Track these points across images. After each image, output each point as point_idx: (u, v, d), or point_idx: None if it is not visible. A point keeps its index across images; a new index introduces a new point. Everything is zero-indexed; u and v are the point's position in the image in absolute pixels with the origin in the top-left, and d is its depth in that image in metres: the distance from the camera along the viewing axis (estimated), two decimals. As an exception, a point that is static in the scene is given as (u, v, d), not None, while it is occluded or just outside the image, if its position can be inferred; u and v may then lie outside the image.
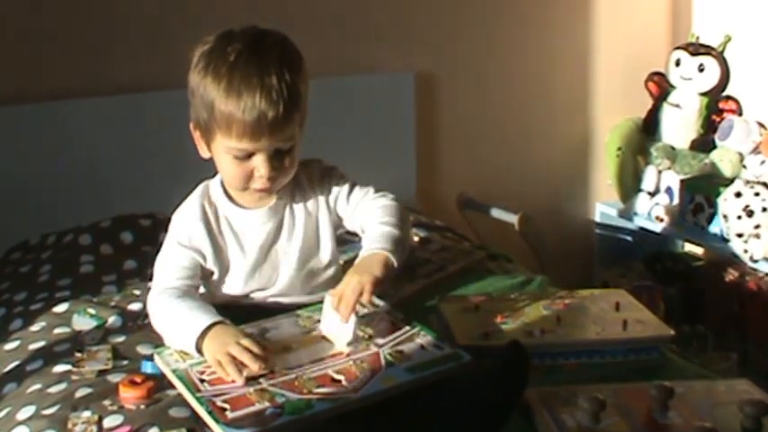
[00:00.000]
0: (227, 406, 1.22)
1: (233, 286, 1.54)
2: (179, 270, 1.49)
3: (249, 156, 1.42)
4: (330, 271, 1.60)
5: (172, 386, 1.36)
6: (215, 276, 1.53)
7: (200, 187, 1.56)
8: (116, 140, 2.40)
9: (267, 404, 1.22)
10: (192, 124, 1.50)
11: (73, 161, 2.35)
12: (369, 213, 1.55)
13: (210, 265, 1.52)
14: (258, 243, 1.53)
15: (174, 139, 2.37)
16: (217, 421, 1.19)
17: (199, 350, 1.34)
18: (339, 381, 1.28)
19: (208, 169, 1.53)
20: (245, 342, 1.31)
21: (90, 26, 2.38)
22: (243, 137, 1.39)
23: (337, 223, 1.60)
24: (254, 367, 1.28)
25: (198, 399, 1.25)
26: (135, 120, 2.41)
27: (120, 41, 2.41)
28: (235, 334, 1.34)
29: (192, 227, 1.51)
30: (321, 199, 1.57)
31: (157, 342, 1.56)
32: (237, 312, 1.47)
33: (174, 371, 1.35)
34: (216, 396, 1.25)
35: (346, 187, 1.59)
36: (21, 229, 2.26)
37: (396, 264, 1.43)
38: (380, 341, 1.39)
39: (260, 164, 1.42)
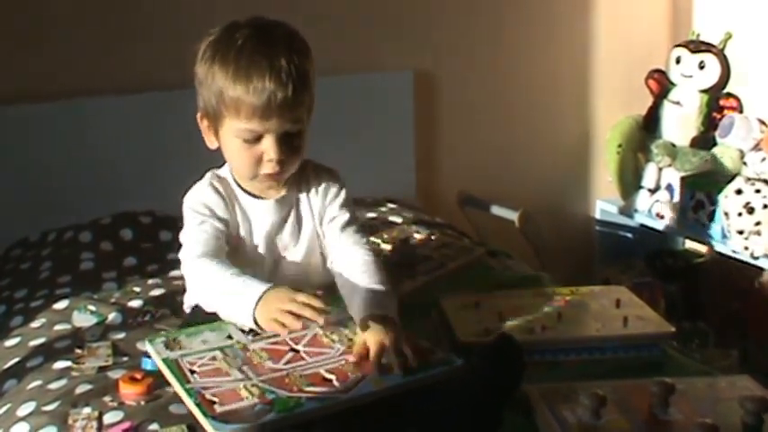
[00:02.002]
0: (215, 399, 1.22)
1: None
2: (206, 237, 1.48)
3: (258, 139, 1.42)
4: (329, 275, 1.59)
5: (170, 384, 1.35)
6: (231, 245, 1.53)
7: (209, 174, 1.56)
8: (117, 138, 2.40)
9: (256, 400, 1.22)
10: (200, 114, 1.50)
11: (73, 158, 2.35)
12: (351, 263, 1.51)
13: (232, 230, 1.52)
14: (264, 231, 1.53)
15: (176, 138, 2.39)
16: (205, 414, 1.18)
17: (255, 320, 1.36)
18: (330, 380, 1.27)
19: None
20: (303, 297, 1.33)
21: (94, 25, 2.38)
22: (252, 117, 1.39)
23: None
24: (319, 320, 1.32)
25: (187, 390, 1.25)
26: (137, 118, 2.41)
27: (126, 41, 2.41)
28: (290, 291, 1.35)
29: (208, 198, 1.50)
30: (319, 211, 1.57)
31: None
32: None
33: (164, 359, 1.35)
34: (205, 388, 1.25)
35: (345, 218, 1.57)
36: (21, 227, 2.26)
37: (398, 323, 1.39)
38: None
39: (269, 147, 1.42)
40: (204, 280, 1.44)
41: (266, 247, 1.55)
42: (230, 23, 1.47)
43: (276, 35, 1.44)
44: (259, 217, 1.53)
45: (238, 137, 1.43)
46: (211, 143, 1.51)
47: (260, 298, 1.35)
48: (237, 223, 1.53)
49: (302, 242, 1.56)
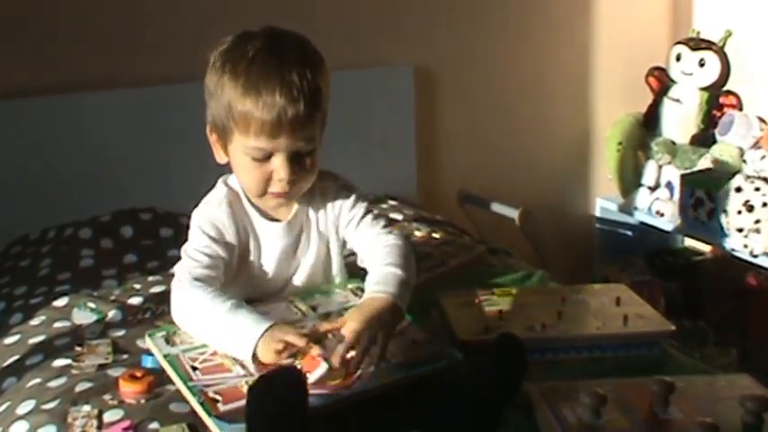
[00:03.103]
0: (219, 398, 1.22)
1: (241, 291, 1.51)
2: (206, 261, 1.44)
3: (268, 157, 1.38)
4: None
5: (172, 381, 1.35)
6: (232, 271, 1.51)
7: (224, 187, 1.50)
8: (117, 134, 2.40)
9: None
10: (209, 128, 1.46)
11: (73, 155, 2.35)
12: (373, 250, 1.51)
13: (235, 261, 1.49)
14: (274, 256, 1.51)
15: (177, 134, 2.40)
16: (209, 413, 1.19)
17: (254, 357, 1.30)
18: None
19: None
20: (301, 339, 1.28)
21: (93, 19, 2.38)
22: (261, 134, 1.34)
23: (343, 244, 1.58)
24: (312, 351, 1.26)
25: (190, 388, 1.25)
26: (135, 114, 2.41)
27: (124, 36, 2.41)
28: (291, 329, 1.31)
29: (219, 220, 1.46)
30: (331, 221, 1.54)
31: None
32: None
33: (165, 356, 1.35)
34: (208, 386, 1.25)
35: (360, 213, 1.54)
36: (21, 224, 2.26)
37: (403, 309, 1.39)
38: None
39: (279, 166, 1.38)
40: (196, 309, 1.39)
41: (276, 267, 1.52)
42: (243, 33, 1.42)
43: (289, 48, 1.38)
44: (270, 240, 1.50)
45: (247, 155, 1.38)
46: (220, 158, 1.47)
47: (261, 336, 1.29)
48: (248, 245, 1.49)
49: (309, 256, 1.54)
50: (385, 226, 1.56)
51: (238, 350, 1.32)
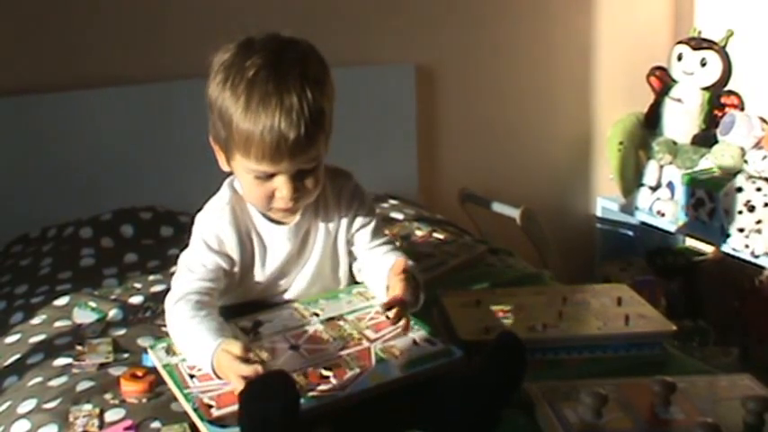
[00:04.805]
0: (213, 403, 1.22)
1: (244, 293, 1.51)
2: (203, 272, 1.42)
3: (270, 176, 1.36)
4: (341, 286, 1.59)
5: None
6: (234, 279, 1.49)
7: (229, 191, 1.48)
8: (116, 133, 2.39)
9: None
10: (212, 138, 1.44)
11: (73, 153, 2.35)
12: (381, 263, 1.51)
13: (237, 269, 1.47)
14: (279, 259, 1.49)
15: (174, 132, 2.40)
16: (201, 418, 1.19)
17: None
18: (327, 377, 1.27)
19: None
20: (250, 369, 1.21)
21: (89, 18, 2.38)
22: (262, 159, 1.32)
23: (350, 244, 1.58)
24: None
25: (185, 395, 1.25)
26: (135, 112, 2.40)
27: (119, 34, 2.40)
28: (230, 366, 1.23)
29: (222, 231, 1.44)
30: (344, 220, 1.53)
31: (158, 334, 1.57)
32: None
33: (165, 365, 1.34)
34: (204, 392, 1.25)
35: (373, 224, 1.55)
36: (21, 223, 2.26)
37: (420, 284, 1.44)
38: (372, 335, 1.38)
39: (281, 185, 1.36)
40: (176, 324, 1.38)
41: (281, 269, 1.51)
42: (245, 42, 1.37)
43: (290, 65, 1.33)
44: (276, 243, 1.48)
45: (249, 173, 1.36)
46: (224, 166, 1.45)
47: (215, 350, 1.27)
48: (252, 250, 1.48)
49: (315, 255, 1.53)
50: (390, 243, 1.59)
51: (200, 362, 1.31)
